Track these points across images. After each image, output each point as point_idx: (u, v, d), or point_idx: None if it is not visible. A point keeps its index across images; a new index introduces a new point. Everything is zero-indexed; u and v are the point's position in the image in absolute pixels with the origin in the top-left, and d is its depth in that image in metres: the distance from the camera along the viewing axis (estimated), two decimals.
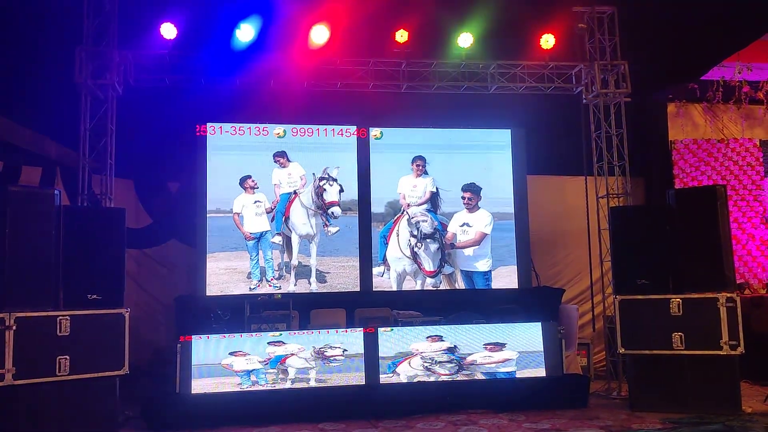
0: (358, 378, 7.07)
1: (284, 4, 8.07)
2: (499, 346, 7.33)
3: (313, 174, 9.13)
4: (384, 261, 9.25)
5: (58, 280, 6.05)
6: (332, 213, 9.07)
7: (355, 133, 9.28)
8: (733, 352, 6.68)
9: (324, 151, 9.18)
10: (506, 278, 9.39)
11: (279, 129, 9.08)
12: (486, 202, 9.43)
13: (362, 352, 7.14)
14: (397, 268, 9.23)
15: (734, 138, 10.61)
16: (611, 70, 8.59)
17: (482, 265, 9.37)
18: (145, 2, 7.86)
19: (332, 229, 9.10)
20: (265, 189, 9.03)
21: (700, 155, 10.50)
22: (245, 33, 7.99)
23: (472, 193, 9.40)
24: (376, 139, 9.35)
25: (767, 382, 7.60)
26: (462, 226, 9.37)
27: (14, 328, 5.64)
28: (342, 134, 9.26)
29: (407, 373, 7.19)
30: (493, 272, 9.37)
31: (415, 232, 9.15)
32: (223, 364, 6.85)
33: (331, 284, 9.05)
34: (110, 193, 7.66)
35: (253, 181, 8.98)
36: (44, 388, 5.79)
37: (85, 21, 7.52)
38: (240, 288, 8.73)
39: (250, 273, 8.86)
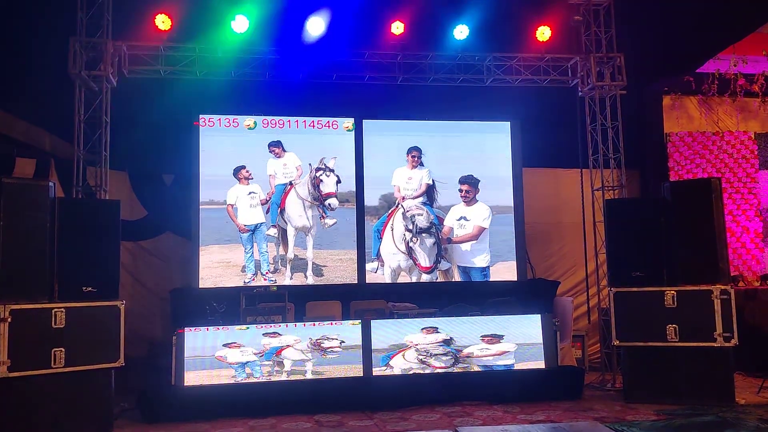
0: (355, 370, 7.05)
1: None
2: (496, 338, 7.31)
3: (310, 164, 9.04)
4: (378, 256, 9.14)
5: (53, 273, 6.03)
6: (329, 205, 8.97)
7: (327, 124, 9.14)
8: (726, 344, 6.71)
9: (317, 142, 9.10)
10: (505, 275, 9.30)
11: (249, 120, 8.95)
12: (484, 195, 9.33)
13: (360, 343, 7.10)
14: (392, 264, 9.12)
15: (729, 131, 10.63)
16: (607, 62, 8.59)
17: (480, 261, 9.26)
18: None
19: (329, 221, 9.01)
20: (259, 180, 8.95)
21: (695, 148, 10.51)
22: (240, 24, 7.95)
23: (470, 186, 9.28)
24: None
25: (761, 373, 7.62)
26: (459, 219, 9.26)
27: (9, 320, 5.62)
28: (314, 126, 9.10)
29: (401, 366, 7.15)
30: (491, 268, 9.27)
31: (411, 227, 9.04)
32: (216, 356, 6.83)
33: (328, 278, 8.97)
34: (105, 185, 7.64)
35: (247, 171, 8.90)
36: (39, 380, 5.77)
37: (79, 12, 7.48)
38: (234, 282, 8.66)
39: (244, 266, 8.79)
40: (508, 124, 9.59)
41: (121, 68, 7.94)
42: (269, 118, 9.02)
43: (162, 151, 8.99)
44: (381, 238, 9.15)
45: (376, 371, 7.09)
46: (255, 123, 8.98)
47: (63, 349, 5.89)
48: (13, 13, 7.46)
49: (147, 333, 8.54)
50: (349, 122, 9.22)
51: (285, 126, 9.06)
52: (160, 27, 7.82)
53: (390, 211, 9.19)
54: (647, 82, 10.01)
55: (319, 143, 9.12)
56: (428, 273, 9.09)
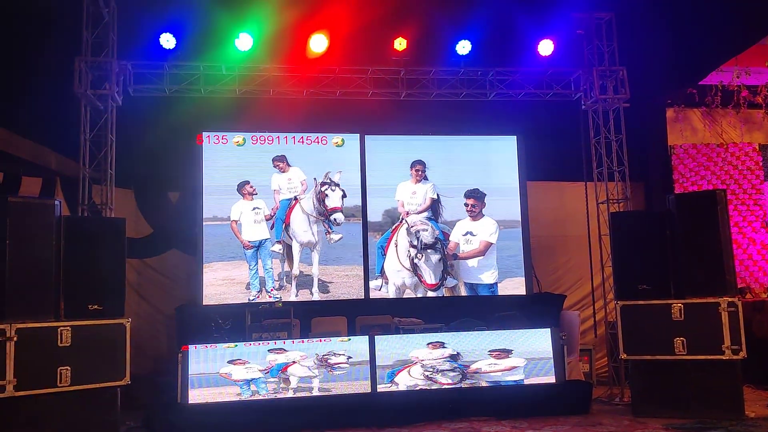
0: (363, 386, 6.97)
1: (283, 13, 8.09)
2: (505, 353, 7.21)
3: (315, 179, 8.95)
4: (382, 273, 8.99)
5: (59, 291, 6.04)
6: (335, 219, 8.87)
7: (316, 140, 9.03)
8: (735, 357, 6.66)
9: (320, 157, 9.05)
10: (513, 291, 9.13)
11: (238, 137, 8.85)
12: (490, 209, 9.20)
13: (367, 359, 7.01)
14: (396, 281, 8.94)
15: (733, 142, 10.62)
16: (610, 75, 8.60)
17: (488, 277, 9.08)
18: (144, 13, 7.89)
19: (335, 237, 8.90)
20: (264, 195, 8.89)
21: (700, 160, 10.51)
22: (244, 42, 8.01)
23: (476, 200, 9.12)
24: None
25: None
26: (465, 235, 9.09)
27: (15, 339, 5.62)
28: (303, 141, 9.00)
29: (406, 382, 7.05)
30: (499, 285, 9.09)
31: (415, 242, 8.89)
32: (221, 374, 6.78)
33: (334, 294, 8.85)
34: (111, 203, 7.67)
35: (251, 186, 8.83)
36: (45, 399, 5.76)
37: (85, 32, 7.56)
38: (238, 300, 8.55)
39: (249, 283, 8.71)
40: (514, 138, 9.47)
41: (126, 87, 8.00)
42: (258, 134, 8.92)
43: (167, 169, 9.03)
44: (385, 254, 9.00)
45: (381, 388, 7.00)
46: (244, 140, 8.89)
47: (69, 368, 5.88)
48: (18, 34, 7.53)
49: (153, 350, 8.53)
50: (338, 138, 9.11)
51: (274, 142, 8.97)
52: (164, 46, 7.88)
53: (394, 227, 9.06)
54: (650, 94, 10.01)
55: (324, 158, 9.05)
56: (434, 290, 8.89)
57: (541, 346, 7.29)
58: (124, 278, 6.56)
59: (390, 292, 8.96)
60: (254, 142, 8.94)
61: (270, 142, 8.97)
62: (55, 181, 8.16)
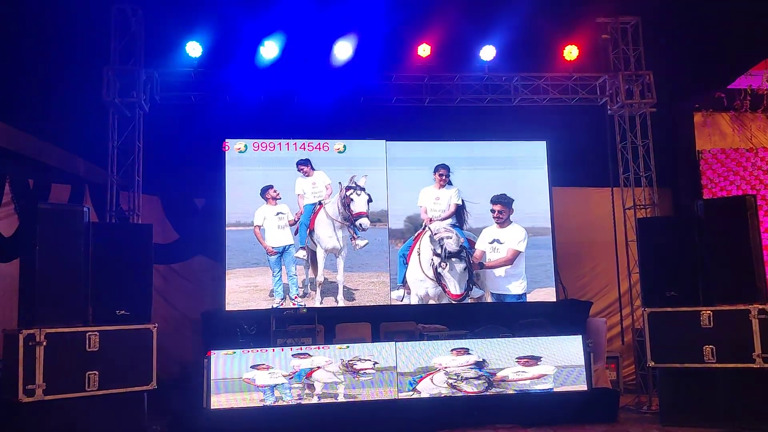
0: (390, 392, 6.89)
1: (307, 20, 8.14)
2: (533, 360, 7.09)
3: (340, 183, 8.86)
4: (404, 283, 8.80)
5: (87, 296, 6.14)
6: (360, 225, 8.73)
7: (318, 146, 8.92)
8: (766, 365, 6.53)
9: (344, 162, 9.01)
10: None
11: (240, 143, 8.80)
12: (518, 215, 8.97)
13: (394, 365, 6.93)
14: (419, 292, 8.72)
15: (763, 147, 10.44)
16: (636, 80, 8.53)
17: (516, 288, 8.82)
18: (170, 21, 7.98)
19: (360, 243, 8.79)
20: (288, 200, 8.82)
21: (729, 165, 10.34)
22: (269, 50, 8.07)
23: (503, 206, 8.88)
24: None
25: None
26: (492, 243, 8.86)
27: (44, 343, 5.70)
28: (304, 148, 8.90)
29: (429, 390, 6.94)
30: (528, 295, 8.84)
31: (439, 251, 8.63)
32: (244, 379, 6.76)
33: (360, 302, 8.74)
34: (138, 209, 7.77)
35: (275, 191, 8.74)
36: (74, 403, 5.83)
37: (112, 41, 7.69)
38: (262, 307, 8.48)
39: (272, 290, 8.65)
40: (543, 143, 9.34)
41: (153, 94, 8.10)
42: (258, 141, 8.84)
43: (193, 176, 9.12)
44: (407, 263, 8.81)
45: (402, 396, 6.91)
46: (245, 146, 8.82)
47: (97, 372, 5.95)
48: (48, 44, 7.65)
49: (179, 355, 8.59)
50: (340, 144, 8.99)
51: (276, 149, 8.89)
52: (190, 54, 7.97)
53: (416, 234, 8.87)
54: (677, 99, 9.90)
55: (346, 163, 9.00)
56: (459, 301, 8.65)
57: (571, 353, 7.16)
58: (151, 284, 6.63)
59: (413, 303, 8.78)
60: (255, 148, 8.87)
61: (272, 149, 8.89)
62: (84, 188, 8.28)
